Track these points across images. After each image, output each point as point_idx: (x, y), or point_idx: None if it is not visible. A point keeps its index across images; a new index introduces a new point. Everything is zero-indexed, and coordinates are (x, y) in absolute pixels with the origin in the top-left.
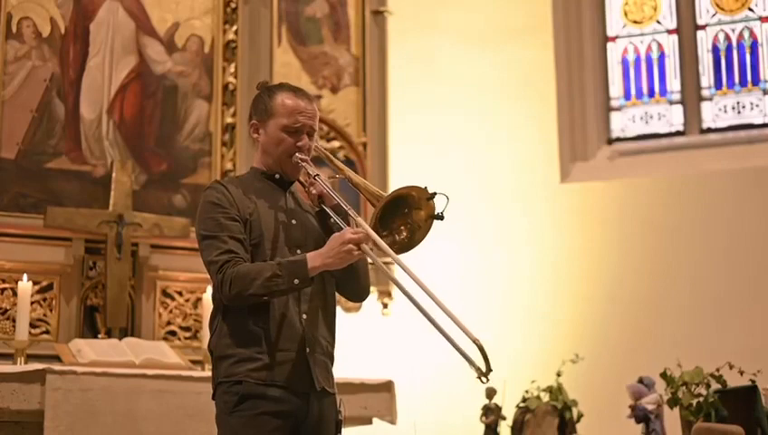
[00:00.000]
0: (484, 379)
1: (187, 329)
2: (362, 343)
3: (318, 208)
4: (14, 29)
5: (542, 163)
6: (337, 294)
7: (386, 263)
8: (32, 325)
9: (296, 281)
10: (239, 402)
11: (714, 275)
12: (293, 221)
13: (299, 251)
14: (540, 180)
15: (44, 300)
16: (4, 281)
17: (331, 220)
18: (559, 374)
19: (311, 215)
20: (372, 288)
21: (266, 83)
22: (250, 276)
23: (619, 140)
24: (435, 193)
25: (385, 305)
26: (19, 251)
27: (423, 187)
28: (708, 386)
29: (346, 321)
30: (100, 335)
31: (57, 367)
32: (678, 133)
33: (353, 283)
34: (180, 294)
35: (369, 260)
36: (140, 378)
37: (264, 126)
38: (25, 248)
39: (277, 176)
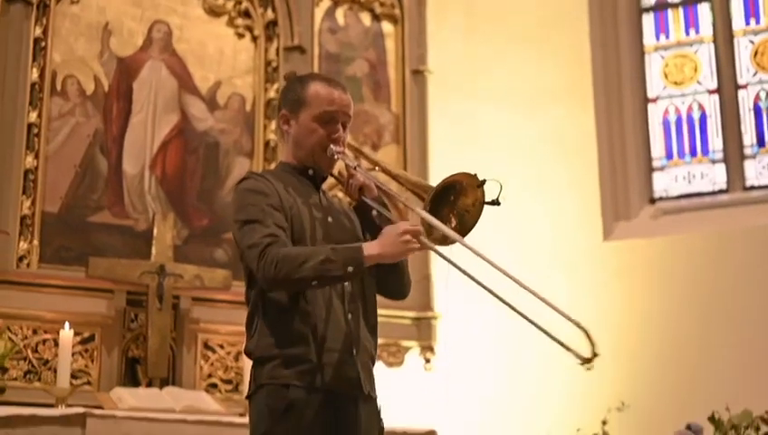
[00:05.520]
0: (587, 365)
1: (228, 382)
2: (405, 397)
3: (357, 202)
4: (58, 87)
5: (585, 222)
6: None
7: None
8: (73, 376)
9: (350, 268)
10: (286, 410)
11: (759, 326)
12: (330, 219)
13: None
14: (582, 239)
15: (86, 351)
16: (46, 332)
17: (374, 212)
18: (605, 422)
19: (342, 215)
20: (414, 343)
21: (295, 73)
22: (300, 259)
23: (661, 199)
24: (485, 180)
25: (428, 360)
26: (61, 302)
27: (473, 174)
28: (758, 429)
29: (389, 375)
30: (141, 386)
31: (97, 411)
32: (722, 192)
33: (397, 278)
34: (222, 347)
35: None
36: (180, 423)
37: (296, 117)
38: (67, 300)
39: (310, 172)
